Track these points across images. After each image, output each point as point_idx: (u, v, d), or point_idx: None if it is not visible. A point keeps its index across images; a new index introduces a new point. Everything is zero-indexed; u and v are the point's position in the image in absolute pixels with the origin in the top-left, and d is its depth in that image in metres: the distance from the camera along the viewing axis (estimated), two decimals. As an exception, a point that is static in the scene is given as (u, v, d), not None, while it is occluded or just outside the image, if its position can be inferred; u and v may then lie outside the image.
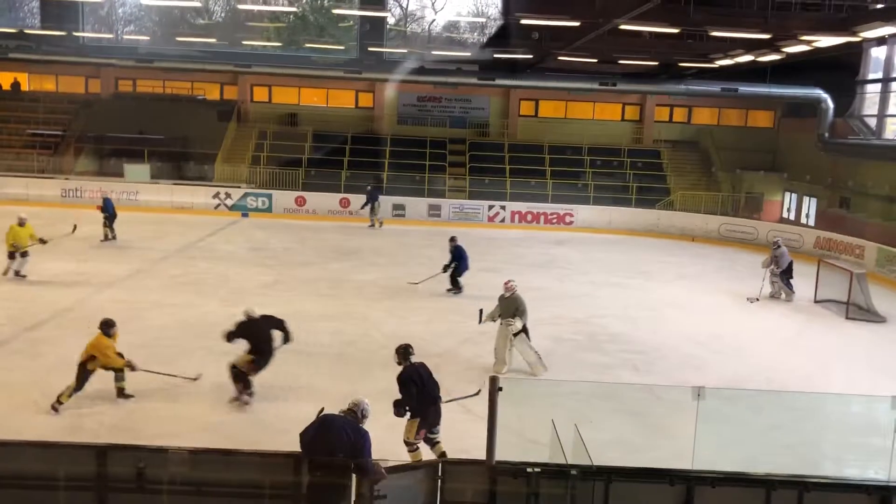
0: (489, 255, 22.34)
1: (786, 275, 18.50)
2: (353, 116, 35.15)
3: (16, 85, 35.09)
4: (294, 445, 6.49)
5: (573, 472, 6.24)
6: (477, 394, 8.52)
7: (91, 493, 6.58)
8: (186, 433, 9.10)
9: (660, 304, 17.78)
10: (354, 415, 6.76)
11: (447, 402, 8.81)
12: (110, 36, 36.97)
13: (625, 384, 11.91)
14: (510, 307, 12.30)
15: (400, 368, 8.69)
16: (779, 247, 18.64)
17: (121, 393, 10.33)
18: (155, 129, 31.44)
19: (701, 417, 6.79)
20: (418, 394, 8.45)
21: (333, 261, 21.29)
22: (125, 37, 37.18)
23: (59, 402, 9.78)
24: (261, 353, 10.45)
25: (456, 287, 17.69)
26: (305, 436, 6.47)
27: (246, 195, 29.26)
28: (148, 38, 36.93)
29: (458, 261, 17.70)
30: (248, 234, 25.17)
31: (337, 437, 6.46)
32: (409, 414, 8.57)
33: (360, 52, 35.53)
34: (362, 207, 27.83)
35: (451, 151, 33.69)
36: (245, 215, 28.72)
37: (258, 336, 10.51)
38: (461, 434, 8.94)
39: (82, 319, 13.92)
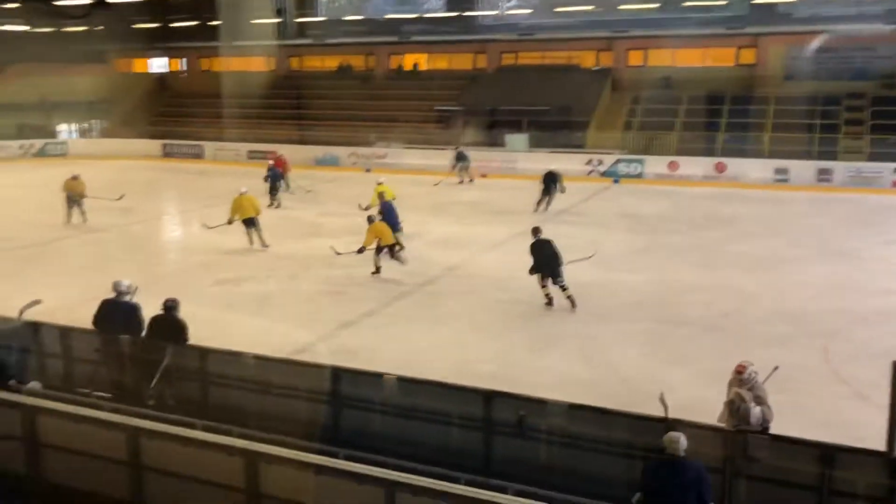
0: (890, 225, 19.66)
1: None
2: (732, 76, 33.11)
3: (416, 66, 39.42)
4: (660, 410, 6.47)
5: None
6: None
7: (479, 433, 7.31)
8: (557, 386, 9.56)
9: None
10: None
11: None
12: (495, 13, 39.54)
13: None
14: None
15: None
16: None
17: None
18: (534, 100, 32.98)
19: None
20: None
21: (706, 229, 20.51)
22: (507, 12, 39.41)
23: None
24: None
25: None
26: None
27: (618, 161, 29.44)
28: (529, 10, 38.67)
29: None
30: (619, 200, 25.34)
31: None
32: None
33: (744, 5, 33.25)
34: (453, 168, 27.80)
35: (847, 108, 30.05)
36: (616, 181, 28.93)
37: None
38: (855, 422, 8.16)
39: (468, 277, 15.39)
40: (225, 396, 8.54)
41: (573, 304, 13.16)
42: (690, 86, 32.68)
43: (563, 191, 22.89)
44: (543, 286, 13.35)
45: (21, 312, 9.14)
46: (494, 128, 33.26)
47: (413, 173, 30.66)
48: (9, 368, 8.36)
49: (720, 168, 28.13)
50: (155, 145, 37.66)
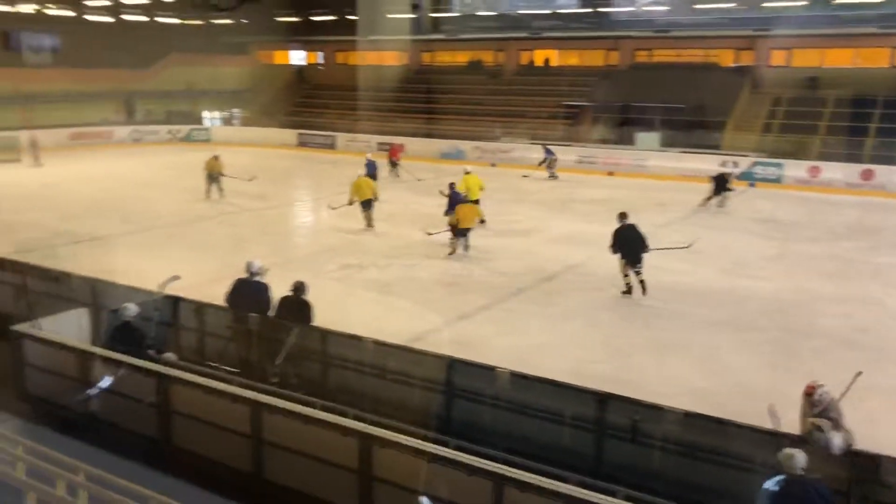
0: None
1: None
2: (886, 77, 30.98)
3: (546, 61, 39.13)
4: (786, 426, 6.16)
5: None
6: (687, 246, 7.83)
7: (591, 434, 7.20)
8: (675, 393, 9.28)
9: None
10: None
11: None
12: (630, 9, 38.72)
13: None
14: None
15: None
16: None
17: None
18: (668, 99, 32.06)
19: None
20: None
21: (846, 238, 19.31)
22: (643, 8, 38.49)
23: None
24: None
25: None
26: None
27: (755, 164, 28.16)
28: (666, 7, 37.60)
29: None
30: (754, 204, 24.24)
31: None
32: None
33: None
34: (540, 164, 28.44)
35: None
36: (752, 185, 27.68)
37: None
38: None
39: (588, 275, 15.16)
40: (344, 378, 8.80)
41: (644, 289, 13.54)
42: (837, 87, 30.84)
43: (729, 190, 23.01)
44: (626, 274, 13.67)
45: (161, 287, 9.76)
46: (625, 125, 32.57)
47: (538, 169, 30.55)
48: (149, 339, 8.95)
49: (867, 175, 26.38)
50: (291, 135, 39.21)
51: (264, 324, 9.33)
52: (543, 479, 5.93)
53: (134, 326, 8.85)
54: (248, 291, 9.76)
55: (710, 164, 28.40)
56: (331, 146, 37.85)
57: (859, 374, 6.92)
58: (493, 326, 12.19)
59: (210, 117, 43.33)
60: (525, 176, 28.00)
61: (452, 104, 38.15)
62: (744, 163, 28.18)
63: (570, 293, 14.02)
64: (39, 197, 23.37)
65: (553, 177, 28.59)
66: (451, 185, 17.85)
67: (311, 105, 42.47)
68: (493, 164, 32.36)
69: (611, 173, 29.72)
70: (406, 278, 14.91)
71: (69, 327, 9.22)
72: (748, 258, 16.78)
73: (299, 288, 9.50)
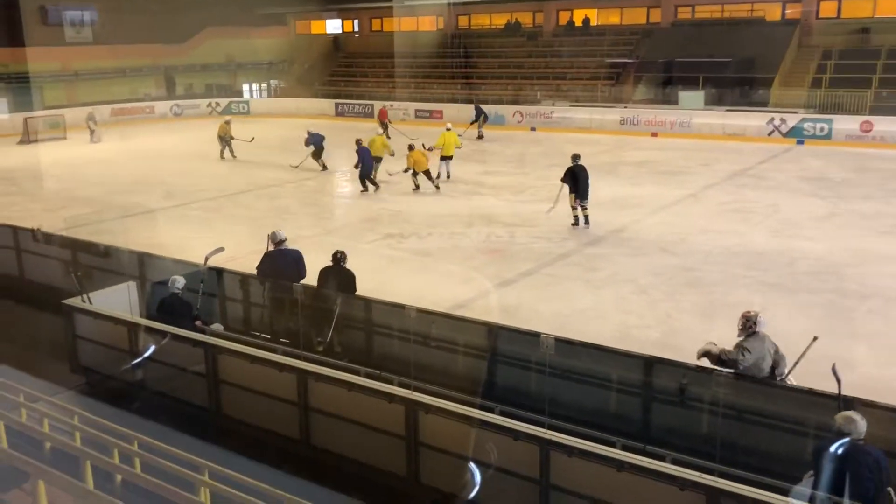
0: None
1: None
2: (943, 26, 29.73)
3: (586, 20, 38.34)
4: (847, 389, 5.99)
5: None
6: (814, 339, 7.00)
7: (638, 399, 7.12)
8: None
9: None
10: None
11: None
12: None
13: None
14: None
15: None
16: None
17: None
18: (712, 55, 31.18)
19: None
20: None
21: (902, 195, 18.70)
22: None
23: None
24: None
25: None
26: None
27: (803, 120, 27.33)
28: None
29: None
30: (803, 162, 23.58)
31: None
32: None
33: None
34: (472, 123, 29.59)
35: None
36: (801, 142, 26.91)
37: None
38: None
39: (634, 239, 14.95)
40: (387, 346, 8.83)
41: (588, 222, 15.75)
42: (891, 38, 29.65)
43: None
44: (574, 207, 15.81)
45: (206, 259, 9.87)
46: (668, 84, 31.84)
47: (580, 132, 30.13)
48: (195, 310, 9.07)
49: (865, 128, 25.41)
50: (328, 104, 39.21)
51: (307, 293, 9.38)
52: (590, 443, 5.88)
53: (181, 298, 8.98)
54: (284, 261, 9.84)
55: (757, 122, 27.74)
56: (368, 115, 37.73)
57: (815, 339, 6.95)
58: (536, 292, 12.10)
59: (249, 89, 43.55)
60: (459, 135, 28.67)
61: (490, 68, 37.69)
62: (792, 119, 27.39)
63: (614, 258, 13.84)
64: (86, 173, 23.79)
65: (480, 136, 29.58)
66: (358, 142, 19.72)
67: (348, 74, 42.36)
68: (532, 129, 31.98)
69: (654, 134, 29.15)
70: (447, 246, 14.86)
71: (119, 300, 9.38)
72: (798, 218, 16.35)
73: (340, 258, 9.52)
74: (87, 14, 38.54)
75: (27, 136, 29.93)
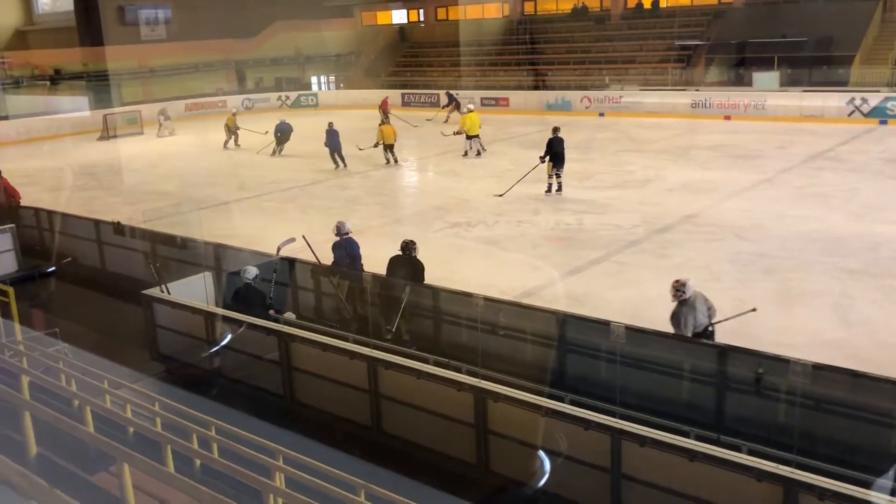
0: None
1: None
2: None
3: (654, 2, 37.48)
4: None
5: None
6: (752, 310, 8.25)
7: (712, 388, 6.96)
8: (804, 345, 8.84)
9: None
10: None
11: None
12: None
13: None
14: None
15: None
16: None
17: None
18: (788, 34, 30.13)
19: None
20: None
21: None
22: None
23: None
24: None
25: None
26: None
27: (886, 100, 26.13)
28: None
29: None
30: (886, 143, 22.59)
31: None
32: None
33: None
34: (443, 108, 31.94)
35: None
36: (883, 122, 25.76)
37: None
38: None
39: (706, 225, 14.60)
40: (455, 335, 8.85)
41: (561, 189, 17.38)
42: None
43: None
44: (550, 176, 17.36)
45: (279, 249, 10.07)
46: (741, 65, 30.89)
47: (650, 116, 29.57)
48: (268, 299, 9.28)
49: None
50: (395, 95, 39.41)
51: (376, 282, 9.48)
52: (663, 433, 5.79)
53: (254, 287, 9.19)
54: (339, 253, 10.17)
55: (836, 102, 26.68)
56: (434, 104, 37.77)
57: (753, 309, 8.00)
58: (605, 280, 11.94)
59: (317, 82, 44.12)
60: (428, 119, 31.57)
61: (557, 54, 37.23)
62: (874, 98, 26.24)
63: (686, 244, 13.54)
64: (162, 167, 24.55)
65: (446, 121, 30.55)
66: (331, 124, 22.55)
67: (414, 63, 42.47)
68: (601, 114, 31.49)
69: (727, 117, 28.35)
70: (515, 234, 14.80)
71: (195, 290, 9.66)
72: (881, 201, 15.69)
73: (408, 246, 9.58)
74: (161, 12, 39.69)
75: (106, 133, 31.03)
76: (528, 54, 37.47)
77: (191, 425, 5.97)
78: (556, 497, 6.38)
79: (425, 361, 7.36)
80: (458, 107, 31.06)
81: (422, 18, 46.57)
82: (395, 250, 9.65)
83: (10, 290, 9.42)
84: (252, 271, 9.23)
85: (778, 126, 26.11)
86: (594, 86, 33.26)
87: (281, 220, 16.05)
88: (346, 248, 10.24)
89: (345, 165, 22.17)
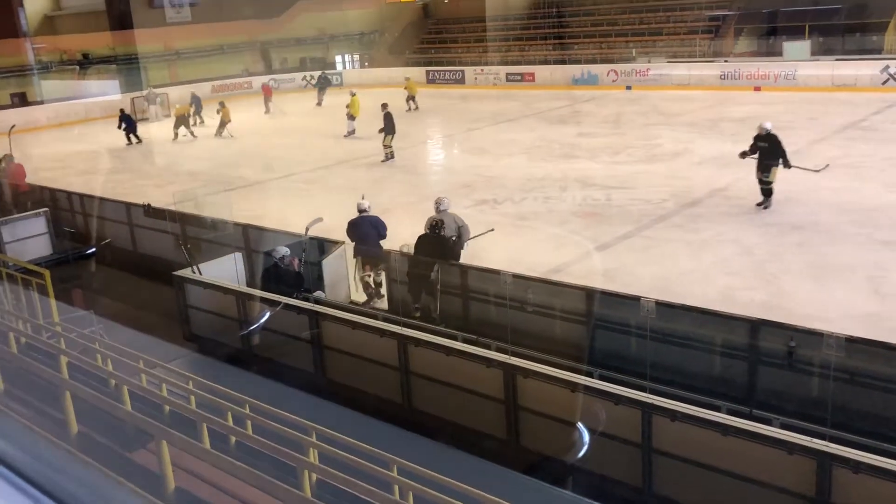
0: None
1: None
2: None
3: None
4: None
5: None
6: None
7: (743, 362, 6.92)
8: (838, 318, 8.74)
9: None
10: None
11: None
12: None
13: None
14: None
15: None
16: None
17: None
18: (817, 2, 29.48)
19: None
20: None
21: None
22: None
23: None
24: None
25: None
26: None
27: (921, 67, 25.56)
28: None
29: None
30: (921, 111, 22.12)
31: None
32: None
33: None
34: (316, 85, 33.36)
35: None
36: (918, 90, 25.21)
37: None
38: None
39: (737, 198, 14.42)
40: (484, 312, 8.87)
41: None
42: None
43: None
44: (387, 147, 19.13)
45: (307, 229, 10.14)
46: (771, 35, 30.31)
47: (678, 88, 29.20)
48: (303, 280, 9.36)
49: None
50: (419, 72, 39.26)
51: (405, 261, 9.52)
52: (694, 407, 5.77)
53: (284, 267, 9.28)
54: (364, 227, 10.34)
55: (869, 71, 26.09)
56: (459, 81, 37.62)
57: (491, 230, 10.05)
58: (635, 255, 11.87)
59: (341, 61, 44.04)
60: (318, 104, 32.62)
61: (583, 27, 36.80)
62: (909, 66, 25.64)
63: (716, 217, 13.40)
64: (190, 149, 24.74)
65: (319, 104, 32.17)
66: (219, 106, 24.72)
67: (438, 40, 42.22)
68: (628, 87, 31.13)
69: (757, 88, 27.89)
70: (543, 211, 14.74)
71: (226, 271, 9.77)
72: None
73: (436, 225, 9.60)
74: (187, -5, 39.83)
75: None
76: (555, 28, 37.08)
77: (225, 403, 6.07)
78: (588, 472, 6.41)
79: (454, 338, 7.40)
80: (327, 85, 33.45)
81: (445, -7, 46.19)
82: (421, 228, 9.69)
83: (46, 272, 9.59)
84: (282, 251, 9.31)
85: (809, 96, 25.64)
86: (621, 59, 32.88)
87: (307, 201, 16.12)
88: (374, 226, 10.34)
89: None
